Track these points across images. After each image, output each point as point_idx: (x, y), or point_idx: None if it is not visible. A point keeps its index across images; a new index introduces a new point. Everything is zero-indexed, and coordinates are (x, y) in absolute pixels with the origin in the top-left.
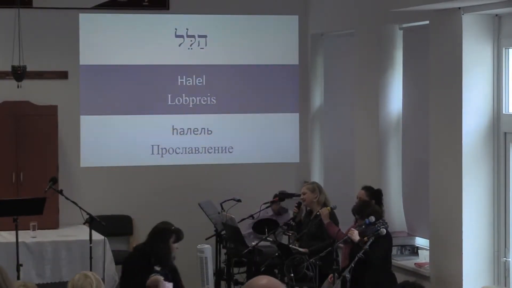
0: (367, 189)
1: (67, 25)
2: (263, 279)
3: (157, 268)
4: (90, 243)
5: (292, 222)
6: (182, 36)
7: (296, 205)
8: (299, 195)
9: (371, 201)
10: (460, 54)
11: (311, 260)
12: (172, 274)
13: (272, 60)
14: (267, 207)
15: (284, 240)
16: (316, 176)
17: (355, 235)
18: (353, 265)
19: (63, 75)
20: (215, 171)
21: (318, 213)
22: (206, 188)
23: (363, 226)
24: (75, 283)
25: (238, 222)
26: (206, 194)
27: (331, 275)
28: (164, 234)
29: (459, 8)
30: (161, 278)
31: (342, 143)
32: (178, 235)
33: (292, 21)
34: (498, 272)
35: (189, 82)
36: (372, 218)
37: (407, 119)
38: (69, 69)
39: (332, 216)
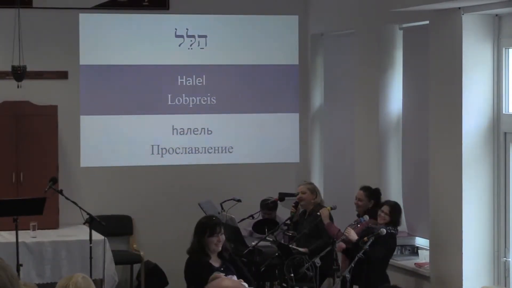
0: (366, 189)
1: (67, 25)
2: (226, 281)
3: (215, 265)
4: (90, 243)
5: (289, 222)
6: (182, 36)
7: (294, 205)
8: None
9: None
10: (460, 54)
11: (313, 260)
12: (233, 266)
13: (272, 60)
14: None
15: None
16: (316, 176)
17: (352, 235)
18: (353, 265)
19: (63, 75)
20: (215, 171)
21: (318, 213)
22: (206, 188)
23: (358, 225)
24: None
25: (238, 222)
26: (206, 194)
27: (340, 243)
28: (197, 230)
29: (459, 8)
30: (218, 275)
31: (342, 143)
32: (211, 228)
33: (292, 21)
34: (498, 272)
35: (189, 82)
36: (366, 217)
37: (407, 119)
38: (69, 69)
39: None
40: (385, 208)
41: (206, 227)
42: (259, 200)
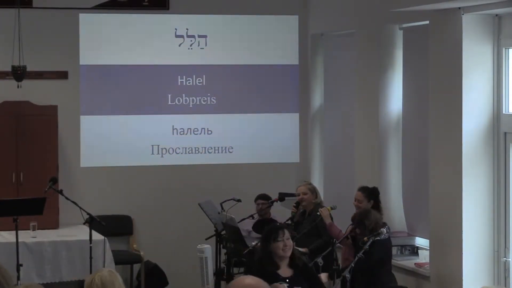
0: (364, 190)
1: (67, 25)
2: (247, 279)
3: (283, 275)
4: (90, 243)
5: (290, 222)
6: (182, 36)
7: (295, 205)
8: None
9: (371, 210)
10: (460, 54)
11: (316, 260)
12: (307, 276)
13: (272, 60)
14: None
15: None
16: (316, 176)
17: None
18: (353, 265)
19: (63, 75)
20: (215, 171)
21: (318, 213)
22: (206, 188)
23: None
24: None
25: (238, 222)
26: (206, 194)
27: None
28: (262, 238)
29: (459, 8)
30: (277, 285)
31: (342, 143)
32: (275, 232)
33: (292, 21)
34: (498, 272)
35: (189, 82)
36: (384, 230)
37: (407, 119)
38: (69, 69)
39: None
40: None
41: (270, 232)
42: None
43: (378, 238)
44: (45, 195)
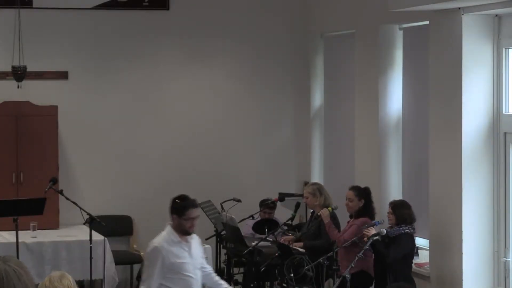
0: (355, 189)
1: (67, 25)
2: None
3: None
4: (90, 243)
5: (290, 222)
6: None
7: (296, 205)
8: (299, 195)
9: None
10: (460, 54)
11: (320, 260)
12: None
13: (272, 60)
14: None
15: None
16: (316, 176)
17: (372, 232)
18: (353, 265)
19: (63, 75)
20: (215, 171)
21: (318, 213)
22: (206, 188)
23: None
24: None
25: (238, 222)
26: (206, 194)
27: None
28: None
29: (459, 8)
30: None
31: (342, 143)
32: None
33: (292, 21)
34: (498, 272)
35: (189, 82)
36: (382, 220)
37: (407, 119)
38: (69, 69)
39: (333, 217)
40: (388, 209)
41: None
42: (259, 200)
43: (378, 238)
44: (45, 195)
